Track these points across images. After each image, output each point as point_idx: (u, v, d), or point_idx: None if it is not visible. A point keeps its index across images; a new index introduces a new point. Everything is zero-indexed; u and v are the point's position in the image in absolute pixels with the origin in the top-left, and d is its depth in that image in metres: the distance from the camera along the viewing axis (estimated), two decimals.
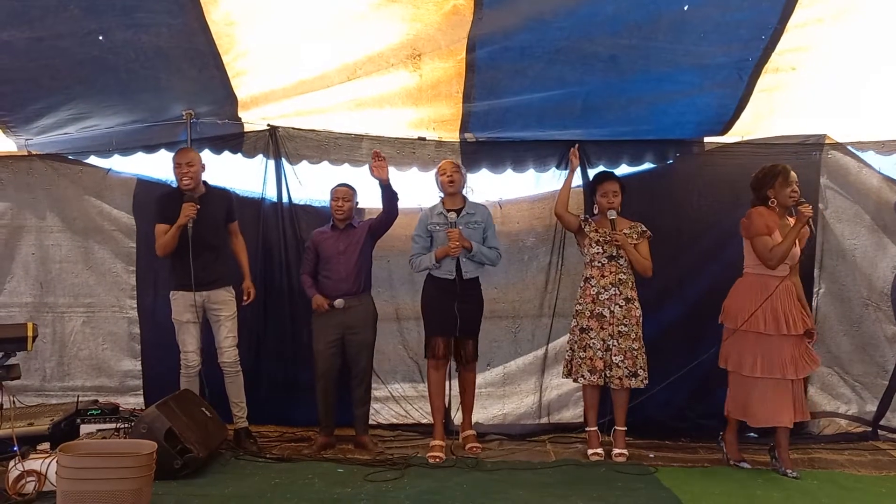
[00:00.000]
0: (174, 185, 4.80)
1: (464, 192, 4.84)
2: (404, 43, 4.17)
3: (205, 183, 4.72)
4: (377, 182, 4.65)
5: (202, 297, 4.69)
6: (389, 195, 4.69)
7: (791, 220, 4.37)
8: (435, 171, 4.84)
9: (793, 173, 4.36)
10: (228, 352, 4.76)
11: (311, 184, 5.17)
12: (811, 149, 5.12)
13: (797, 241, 4.36)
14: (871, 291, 5.16)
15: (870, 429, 5.15)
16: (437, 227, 4.70)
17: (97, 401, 4.86)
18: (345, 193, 4.81)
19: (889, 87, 4.42)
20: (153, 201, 4.84)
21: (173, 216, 4.56)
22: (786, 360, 4.31)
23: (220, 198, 4.82)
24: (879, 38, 4.03)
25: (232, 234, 4.91)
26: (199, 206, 4.57)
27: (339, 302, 4.73)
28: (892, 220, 5.12)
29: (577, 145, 4.94)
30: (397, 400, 5.37)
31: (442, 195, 4.81)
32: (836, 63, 4.23)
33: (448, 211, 4.72)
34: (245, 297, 4.85)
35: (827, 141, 5.11)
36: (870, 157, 5.13)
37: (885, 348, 5.16)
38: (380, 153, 4.66)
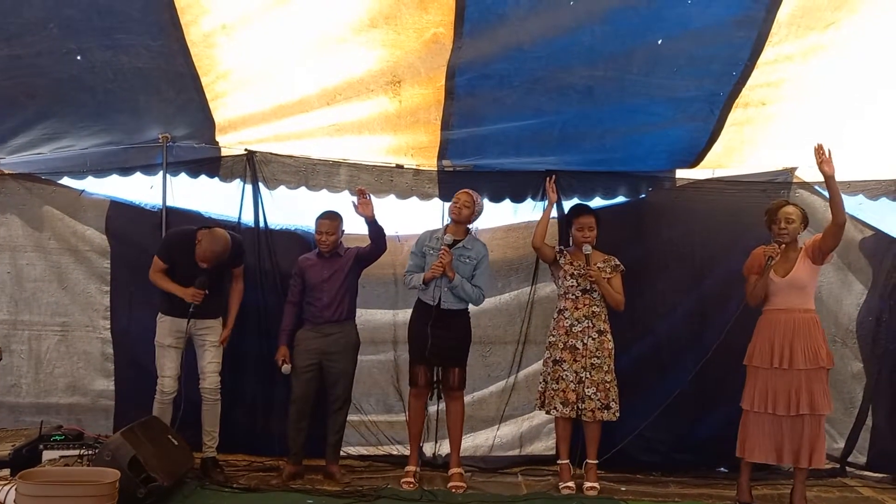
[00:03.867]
0: (189, 230, 4.69)
1: (472, 227, 4.82)
2: (384, 69, 4.21)
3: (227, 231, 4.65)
4: (363, 218, 4.67)
5: (189, 323, 4.63)
6: (376, 230, 4.70)
7: (796, 254, 4.36)
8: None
9: (784, 209, 4.38)
10: (211, 377, 4.70)
11: (288, 209, 5.15)
12: (779, 187, 5.22)
13: (810, 262, 4.31)
14: (838, 328, 5.23)
15: (838, 465, 5.16)
16: (431, 251, 4.70)
17: (61, 426, 4.73)
18: (329, 227, 4.76)
19: (855, 128, 4.55)
20: (165, 234, 4.81)
21: (177, 260, 4.60)
22: (777, 394, 4.24)
23: (234, 247, 4.68)
24: (847, 80, 4.16)
25: (234, 277, 4.85)
26: (206, 293, 4.57)
27: (285, 368, 4.75)
28: (856, 259, 5.23)
29: (552, 177, 4.97)
30: (368, 426, 5.30)
31: (449, 221, 4.80)
32: (804, 100, 4.35)
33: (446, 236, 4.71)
34: (219, 343, 4.77)
35: (794, 180, 5.23)
36: None
37: (852, 385, 5.22)
38: (365, 191, 4.69)
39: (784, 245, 4.38)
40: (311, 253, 4.90)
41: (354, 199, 4.69)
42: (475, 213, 4.76)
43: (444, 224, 4.81)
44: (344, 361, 4.78)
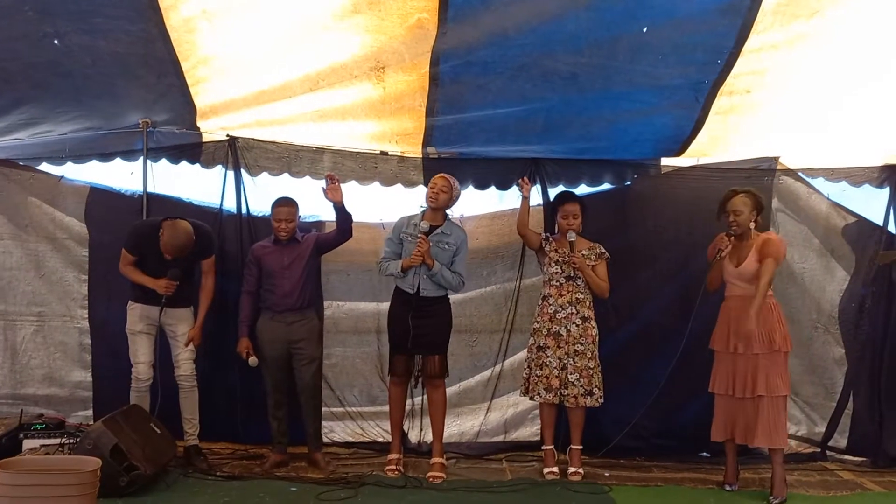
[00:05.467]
0: (151, 218, 4.69)
1: (450, 212, 4.76)
2: (368, 55, 4.16)
3: (192, 224, 4.56)
4: (331, 204, 4.62)
5: (161, 312, 4.60)
6: (343, 217, 4.66)
7: (751, 242, 4.42)
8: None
9: (733, 200, 4.40)
10: (185, 365, 4.66)
11: (271, 196, 5.08)
12: (763, 174, 5.24)
13: (758, 259, 4.36)
14: (820, 314, 5.27)
15: (818, 449, 5.23)
16: (409, 238, 4.64)
17: (42, 415, 4.72)
18: (287, 214, 4.71)
19: (839, 115, 4.55)
20: (129, 227, 4.71)
21: (144, 251, 4.54)
22: (735, 377, 4.37)
23: (201, 238, 4.61)
24: (831, 68, 4.15)
25: (203, 271, 4.76)
26: (178, 283, 4.53)
27: (252, 361, 4.71)
28: (839, 245, 5.26)
29: (524, 178, 4.90)
30: (353, 416, 5.31)
31: (424, 207, 4.74)
32: (788, 89, 4.34)
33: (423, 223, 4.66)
34: (185, 343, 4.70)
35: (778, 167, 5.24)
36: (819, 183, 5.26)
37: (834, 370, 5.27)
38: (334, 175, 4.65)
39: (733, 237, 4.45)
40: (267, 240, 4.84)
41: (323, 183, 4.64)
42: (453, 198, 4.70)
43: (422, 210, 4.76)
44: (310, 348, 4.76)
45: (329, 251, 4.83)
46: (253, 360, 4.72)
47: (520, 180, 4.88)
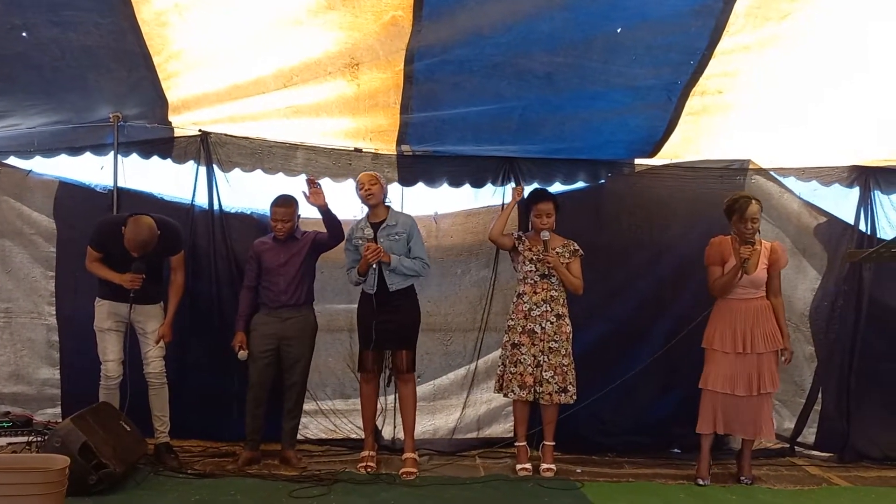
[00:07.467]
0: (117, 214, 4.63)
1: (386, 202, 4.77)
2: (342, 51, 4.14)
3: (158, 220, 4.49)
4: (316, 208, 4.61)
5: (131, 310, 4.53)
6: (330, 219, 4.65)
7: (756, 247, 4.53)
8: (356, 184, 4.75)
9: (751, 207, 4.46)
10: (155, 362, 4.61)
11: (244, 192, 5.05)
12: (735, 173, 5.28)
13: (766, 267, 4.57)
14: (791, 312, 5.31)
15: (787, 445, 5.31)
16: (360, 242, 4.65)
17: (9, 412, 4.64)
18: (284, 214, 4.69)
19: (810, 116, 4.59)
20: (95, 223, 4.62)
21: (109, 248, 4.48)
22: (737, 377, 4.50)
23: (167, 233, 4.56)
24: (802, 69, 4.20)
25: (173, 268, 4.71)
26: (144, 277, 4.46)
27: (242, 354, 4.70)
28: (811, 244, 5.32)
29: (519, 186, 4.98)
30: (326, 414, 5.29)
31: (367, 210, 4.75)
32: (760, 90, 4.38)
33: (370, 225, 4.67)
34: (155, 340, 4.65)
35: (751, 166, 5.28)
36: (791, 182, 5.32)
37: (804, 368, 5.34)
38: (314, 180, 4.64)
39: (751, 245, 4.51)
40: (267, 236, 4.83)
41: (305, 189, 4.62)
42: (384, 187, 4.70)
43: (365, 213, 4.77)
44: (301, 346, 4.75)
45: (326, 251, 4.83)
46: (242, 354, 4.72)
47: (514, 188, 4.95)
